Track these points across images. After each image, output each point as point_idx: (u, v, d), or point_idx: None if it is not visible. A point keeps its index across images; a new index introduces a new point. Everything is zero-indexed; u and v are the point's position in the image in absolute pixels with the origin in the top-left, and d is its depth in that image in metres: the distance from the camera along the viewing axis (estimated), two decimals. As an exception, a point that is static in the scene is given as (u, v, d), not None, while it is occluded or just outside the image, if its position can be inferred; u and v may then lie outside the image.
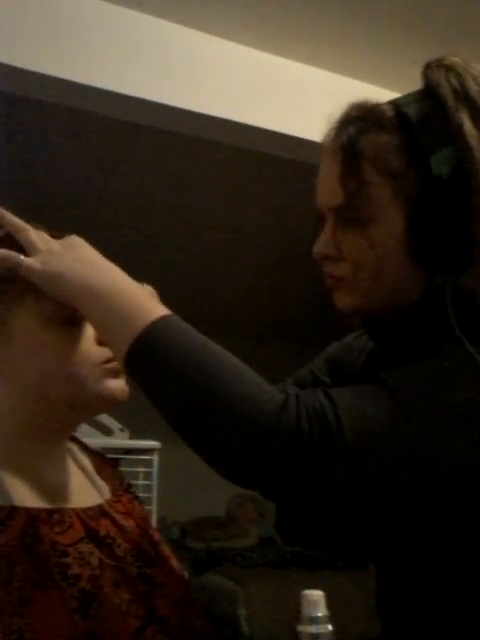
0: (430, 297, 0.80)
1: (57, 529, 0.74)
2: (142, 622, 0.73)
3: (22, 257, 0.76)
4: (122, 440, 2.45)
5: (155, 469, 2.45)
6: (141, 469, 2.37)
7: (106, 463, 0.94)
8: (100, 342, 0.80)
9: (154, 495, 2.35)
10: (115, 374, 0.81)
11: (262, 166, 3.05)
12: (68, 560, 0.72)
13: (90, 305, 0.74)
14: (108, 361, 0.80)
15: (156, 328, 0.72)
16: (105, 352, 0.80)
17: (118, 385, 0.81)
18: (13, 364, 0.78)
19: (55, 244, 0.78)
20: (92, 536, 0.76)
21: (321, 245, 0.86)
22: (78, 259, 0.76)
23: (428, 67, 0.83)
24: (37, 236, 0.78)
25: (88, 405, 0.82)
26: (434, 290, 0.80)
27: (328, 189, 0.83)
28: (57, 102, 2.12)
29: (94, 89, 2.02)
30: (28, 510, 0.73)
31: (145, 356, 0.71)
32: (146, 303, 0.75)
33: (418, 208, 0.76)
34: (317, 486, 0.68)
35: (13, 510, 0.72)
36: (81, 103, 2.12)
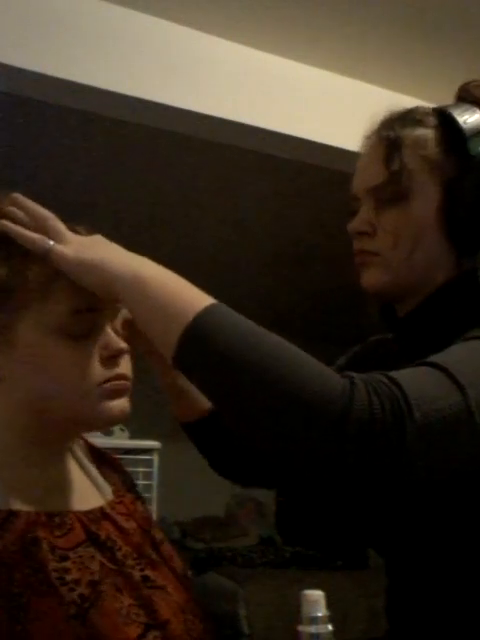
0: (461, 280, 0.88)
1: (57, 533, 0.73)
2: (143, 628, 0.72)
3: (52, 242, 0.75)
4: (122, 440, 2.46)
5: (155, 469, 2.45)
6: (141, 469, 2.37)
7: (109, 461, 0.92)
8: (103, 361, 0.78)
9: (154, 495, 2.35)
10: (117, 394, 0.79)
11: (262, 166, 3.06)
12: (68, 565, 0.71)
13: (134, 292, 0.72)
14: (109, 380, 0.78)
15: (208, 315, 0.71)
16: (107, 372, 0.78)
17: (119, 405, 0.79)
18: (13, 374, 0.76)
19: (82, 237, 0.78)
20: (93, 540, 0.75)
21: (357, 222, 0.92)
22: (111, 250, 0.76)
23: (465, 86, 0.95)
24: (64, 226, 0.77)
25: (87, 423, 0.81)
26: (465, 273, 0.88)
27: (369, 172, 0.93)
28: (57, 102, 2.12)
29: (94, 89, 2.02)
30: (27, 514, 0.72)
31: (198, 344, 0.69)
32: (193, 291, 0.74)
33: (454, 186, 0.87)
34: (391, 468, 0.67)
35: (11, 514, 0.71)
36: (81, 103, 2.12)
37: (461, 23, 2.18)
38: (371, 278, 0.93)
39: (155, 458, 2.42)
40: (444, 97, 2.89)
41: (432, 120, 0.92)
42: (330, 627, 0.68)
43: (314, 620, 0.67)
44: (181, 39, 2.17)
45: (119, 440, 2.42)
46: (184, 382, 0.95)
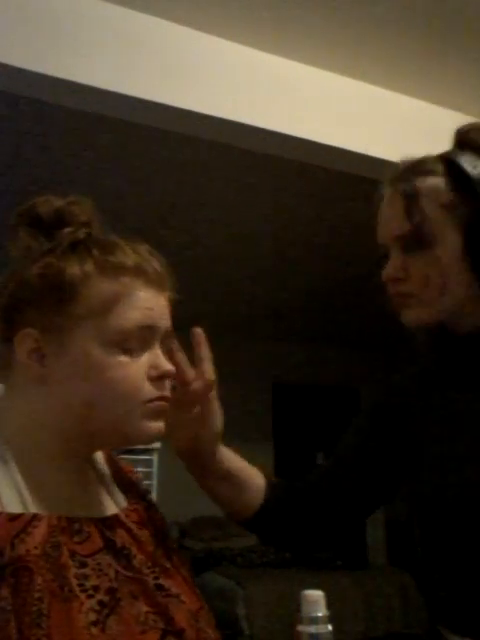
0: None
1: (76, 539, 0.73)
2: (160, 634, 0.72)
3: None
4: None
5: (155, 469, 2.45)
6: (141, 469, 2.37)
7: (124, 468, 0.92)
8: (151, 379, 0.78)
9: (154, 495, 2.35)
10: (158, 415, 0.79)
11: (262, 166, 3.06)
12: (87, 571, 0.71)
13: None
14: (154, 400, 0.78)
15: None
16: (154, 391, 0.79)
17: (158, 427, 0.79)
18: (61, 379, 0.76)
19: None
20: (109, 547, 0.75)
21: (391, 269, 1.00)
22: None
23: (464, 131, 1.02)
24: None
25: (124, 438, 0.81)
26: None
27: (393, 223, 1.00)
28: (57, 102, 2.12)
29: (94, 89, 2.02)
30: (49, 518, 0.72)
31: None
32: None
33: (472, 230, 0.95)
34: None
35: (35, 518, 0.71)
36: (81, 103, 2.12)
37: (461, 24, 2.18)
38: (412, 317, 1.00)
39: (155, 458, 2.42)
40: (443, 97, 2.89)
41: (440, 167, 0.98)
42: (330, 627, 0.68)
43: (314, 620, 0.67)
44: (181, 39, 2.17)
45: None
46: (227, 488, 1.03)
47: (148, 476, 2.40)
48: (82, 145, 2.89)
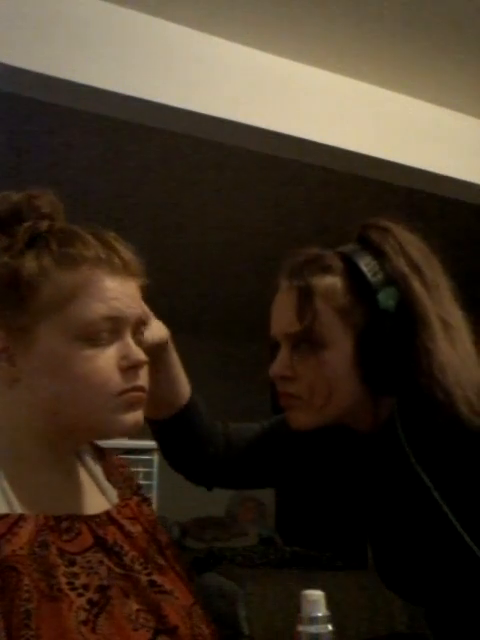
0: (390, 422, 0.94)
1: (65, 537, 0.72)
2: (152, 633, 0.72)
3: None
4: (122, 440, 2.45)
5: (155, 469, 2.45)
6: (141, 469, 2.37)
7: (115, 463, 0.92)
8: (122, 371, 0.76)
9: (154, 495, 2.35)
10: (133, 406, 0.77)
11: (262, 166, 3.05)
12: (76, 569, 0.71)
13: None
14: (127, 391, 0.77)
15: None
16: (126, 383, 0.77)
17: (133, 418, 0.77)
18: (31, 376, 0.76)
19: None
20: (100, 544, 0.75)
21: (278, 366, 0.95)
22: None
23: (367, 227, 0.98)
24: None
25: (100, 432, 0.80)
26: (390, 417, 0.94)
27: (285, 319, 0.95)
28: (57, 102, 2.12)
29: (94, 89, 2.01)
30: (36, 518, 0.72)
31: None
32: None
33: (365, 338, 0.91)
34: None
35: (21, 518, 0.71)
36: (81, 103, 2.12)
37: (461, 24, 2.18)
38: (296, 421, 0.97)
39: (155, 458, 2.41)
40: (443, 97, 2.88)
41: (339, 266, 0.94)
42: (330, 627, 0.68)
43: (314, 620, 0.67)
44: (181, 39, 2.16)
45: (119, 440, 2.41)
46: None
47: (148, 476, 2.39)
48: (80, 145, 2.89)
